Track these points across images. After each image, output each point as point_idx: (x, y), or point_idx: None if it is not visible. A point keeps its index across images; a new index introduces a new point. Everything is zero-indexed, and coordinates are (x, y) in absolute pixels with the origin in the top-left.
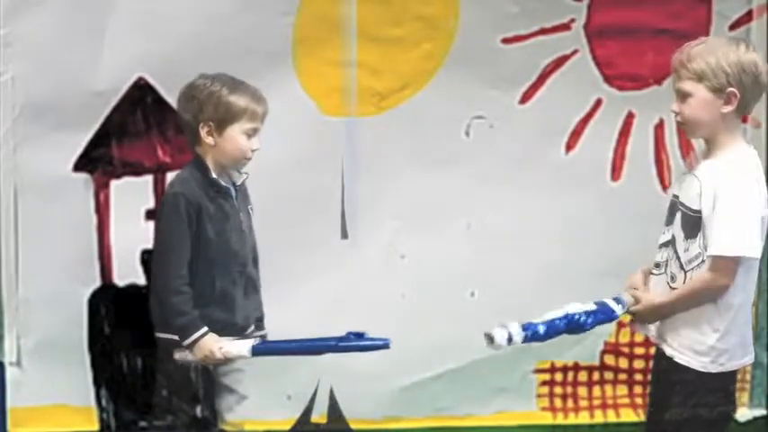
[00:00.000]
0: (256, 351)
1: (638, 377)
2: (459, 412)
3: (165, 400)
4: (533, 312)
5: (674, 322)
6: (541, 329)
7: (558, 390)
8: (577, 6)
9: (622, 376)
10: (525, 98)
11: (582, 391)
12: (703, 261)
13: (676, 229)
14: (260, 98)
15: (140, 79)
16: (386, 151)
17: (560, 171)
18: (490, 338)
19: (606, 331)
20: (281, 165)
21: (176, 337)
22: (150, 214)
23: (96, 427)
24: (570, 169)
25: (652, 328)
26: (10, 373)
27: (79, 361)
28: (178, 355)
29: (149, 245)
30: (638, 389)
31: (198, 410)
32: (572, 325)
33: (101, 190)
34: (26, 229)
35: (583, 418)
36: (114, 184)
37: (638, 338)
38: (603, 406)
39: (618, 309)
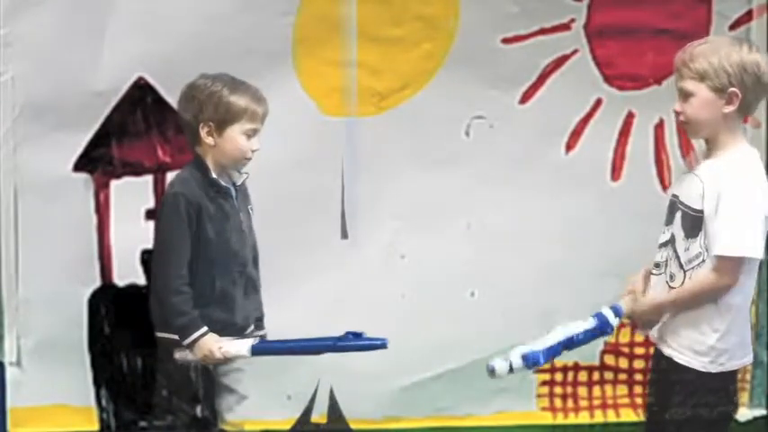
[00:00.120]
0: (256, 351)
1: (639, 377)
2: (459, 412)
3: (165, 400)
4: (533, 312)
5: (674, 322)
6: (542, 359)
7: (558, 390)
8: (577, 6)
9: (622, 376)
10: (525, 98)
11: (582, 391)
12: (704, 261)
13: (676, 228)
14: (260, 99)
15: (140, 79)
16: (386, 151)
17: (560, 171)
18: (491, 370)
19: None
20: (281, 165)
21: (176, 337)
22: (150, 214)
23: (96, 427)
24: (570, 169)
25: (654, 329)
26: (10, 373)
27: (79, 361)
28: (178, 355)
29: (149, 245)
30: (638, 389)
31: (198, 410)
32: (569, 345)
33: (101, 190)
34: (26, 229)
35: (583, 418)
36: (114, 184)
37: (638, 338)
38: (603, 406)
39: (614, 322)
